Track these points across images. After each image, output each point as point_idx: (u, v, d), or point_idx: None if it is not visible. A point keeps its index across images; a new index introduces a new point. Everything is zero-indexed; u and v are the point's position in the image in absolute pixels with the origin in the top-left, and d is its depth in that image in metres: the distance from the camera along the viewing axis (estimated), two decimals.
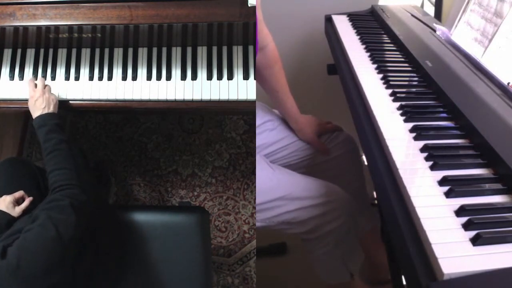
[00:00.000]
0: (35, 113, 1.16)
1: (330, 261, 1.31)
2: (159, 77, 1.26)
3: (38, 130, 1.12)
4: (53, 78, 1.29)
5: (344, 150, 1.40)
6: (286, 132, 1.40)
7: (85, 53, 1.30)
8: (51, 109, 1.16)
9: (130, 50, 1.28)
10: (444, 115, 1.00)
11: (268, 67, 1.29)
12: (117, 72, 1.27)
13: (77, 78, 1.28)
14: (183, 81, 1.25)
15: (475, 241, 0.67)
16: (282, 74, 1.33)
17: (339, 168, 1.40)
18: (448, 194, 0.77)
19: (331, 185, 1.26)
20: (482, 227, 0.69)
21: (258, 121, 1.36)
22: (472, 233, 0.69)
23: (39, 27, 1.22)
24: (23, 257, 0.85)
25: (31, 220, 0.95)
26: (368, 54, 1.32)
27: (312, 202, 1.21)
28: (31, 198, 1.14)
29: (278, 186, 1.22)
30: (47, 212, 0.94)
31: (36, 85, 1.21)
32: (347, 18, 1.65)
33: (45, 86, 1.22)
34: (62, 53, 1.30)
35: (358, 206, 1.31)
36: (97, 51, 1.29)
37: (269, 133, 1.38)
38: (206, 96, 1.23)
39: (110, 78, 1.27)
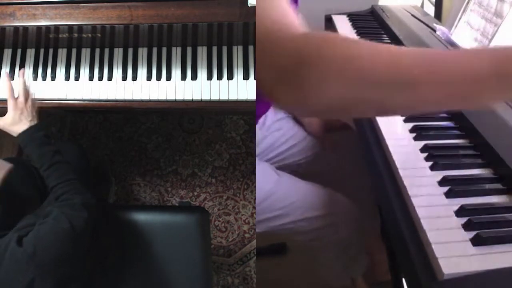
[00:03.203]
0: (20, 127, 1.07)
1: (332, 267, 1.30)
2: (159, 77, 1.26)
3: (27, 146, 1.07)
4: (53, 78, 1.29)
5: (353, 149, 1.39)
6: (295, 129, 1.39)
7: (85, 53, 1.30)
8: (35, 119, 1.10)
9: (130, 50, 1.28)
10: (444, 115, 1.00)
11: None
12: (117, 72, 1.27)
13: (77, 78, 1.28)
14: (183, 81, 1.25)
15: (475, 241, 0.68)
16: None
17: (346, 167, 1.39)
18: (448, 194, 0.77)
19: (337, 195, 1.24)
20: (482, 227, 0.69)
21: (268, 122, 1.34)
22: (472, 233, 0.69)
23: (39, 27, 1.22)
24: (39, 245, 0.90)
25: (43, 215, 1.00)
26: None
27: (317, 213, 1.19)
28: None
29: (283, 195, 1.20)
30: (61, 209, 0.99)
31: (15, 96, 1.11)
32: (347, 18, 1.65)
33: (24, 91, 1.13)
34: (62, 53, 1.30)
35: (363, 208, 1.29)
36: (97, 51, 1.29)
37: (276, 133, 1.37)
38: (206, 96, 1.23)
39: (110, 78, 1.27)
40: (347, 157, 1.38)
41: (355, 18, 1.63)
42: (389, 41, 1.42)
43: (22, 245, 0.90)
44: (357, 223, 1.24)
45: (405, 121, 0.98)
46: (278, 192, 1.21)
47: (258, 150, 1.33)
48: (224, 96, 1.23)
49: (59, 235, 0.94)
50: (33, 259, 0.89)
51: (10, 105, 1.11)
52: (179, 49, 1.27)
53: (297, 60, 0.52)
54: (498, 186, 0.79)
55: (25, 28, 1.22)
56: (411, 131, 0.95)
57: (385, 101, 0.54)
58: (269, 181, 1.21)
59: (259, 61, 0.56)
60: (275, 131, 1.36)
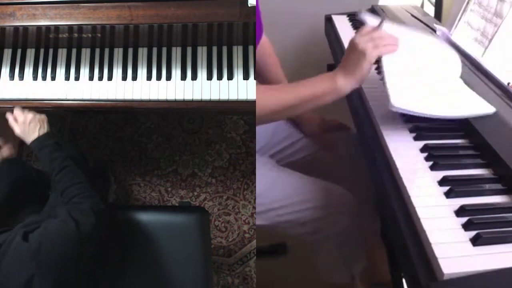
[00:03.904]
0: (31, 136, 1.14)
1: (331, 262, 1.30)
2: (159, 77, 1.26)
3: (40, 152, 1.12)
4: (53, 78, 1.29)
5: (352, 149, 1.39)
6: (291, 129, 1.38)
7: (85, 53, 1.30)
8: (45, 128, 1.16)
9: (130, 50, 1.29)
10: None
11: (259, 59, 1.27)
12: (117, 72, 1.27)
13: (77, 78, 1.28)
14: (183, 81, 1.25)
15: (475, 241, 0.68)
16: (278, 66, 1.31)
17: (345, 167, 1.39)
18: (448, 194, 0.77)
19: (336, 187, 1.24)
20: (482, 227, 0.69)
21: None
22: (472, 233, 0.69)
23: (39, 27, 1.22)
24: (44, 243, 0.92)
25: (52, 215, 1.03)
26: None
27: (315, 203, 1.20)
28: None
29: (282, 187, 1.21)
30: (69, 211, 1.00)
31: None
32: (347, 18, 1.65)
33: None
34: (62, 53, 1.30)
35: (363, 208, 1.29)
36: (97, 51, 1.29)
37: (271, 128, 1.36)
38: (206, 96, 1.23)
39: (110, 78, 1.27)
40: (346, 157, 1.37)
41: (355, 18, 1.63)
42: None
43: (28, 240, 0.91)
44: (355, 215, 1.24)
45: (405, 121, 0.98)
46: (277, 184, 1.21)
47: (257, 146, 1.34)
48: (224, 96, 1.23)
49: (65, 235, 0.95)
50: (37, 255, 0.89)
51: (19, 117, 1.17)
52: (179, 49, 1.27)
53: None
54: (498, 186, 0.79)
55: (25, 28, 1.22)
56: (411, 131, 0.94)
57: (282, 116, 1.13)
58: (268, 174, 1.22)
59: None
60: (270, 126, 1.36)
